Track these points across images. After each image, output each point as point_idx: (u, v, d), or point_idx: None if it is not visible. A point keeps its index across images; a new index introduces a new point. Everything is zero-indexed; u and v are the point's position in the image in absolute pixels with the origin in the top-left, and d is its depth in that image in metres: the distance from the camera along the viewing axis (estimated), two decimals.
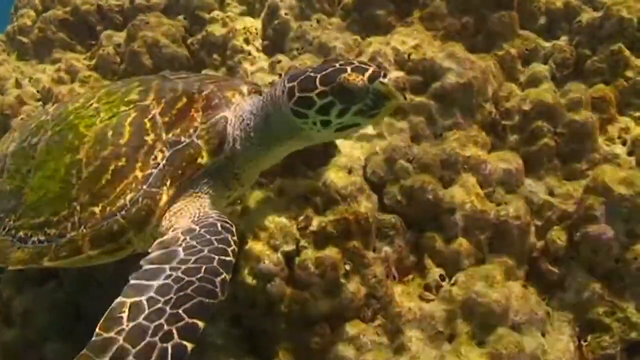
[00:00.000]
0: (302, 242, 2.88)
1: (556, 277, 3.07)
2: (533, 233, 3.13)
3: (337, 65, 2.27)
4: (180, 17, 4.90)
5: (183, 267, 2.02)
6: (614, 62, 3.55)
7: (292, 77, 2.37)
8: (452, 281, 2.96)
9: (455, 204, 3.05)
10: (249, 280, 2.87)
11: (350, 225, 2.87)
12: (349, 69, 2.21)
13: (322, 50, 3.97)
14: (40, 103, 4.78)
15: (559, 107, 3.32)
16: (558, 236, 3.07)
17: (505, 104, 3.49)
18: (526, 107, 3.38)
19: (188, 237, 2.16)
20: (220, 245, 2.11)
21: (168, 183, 2.39)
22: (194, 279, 1.97)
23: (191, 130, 2.50)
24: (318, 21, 4.32)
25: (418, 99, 3.37)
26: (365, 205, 2.99)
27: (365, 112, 2.24)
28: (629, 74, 3.54)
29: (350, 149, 3.38)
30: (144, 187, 2.37)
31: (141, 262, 2.11)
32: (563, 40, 3.77)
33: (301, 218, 2.93)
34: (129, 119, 2.56)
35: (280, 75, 3.76)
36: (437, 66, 3.35)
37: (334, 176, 3.01)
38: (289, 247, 2.87)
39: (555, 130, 3.33)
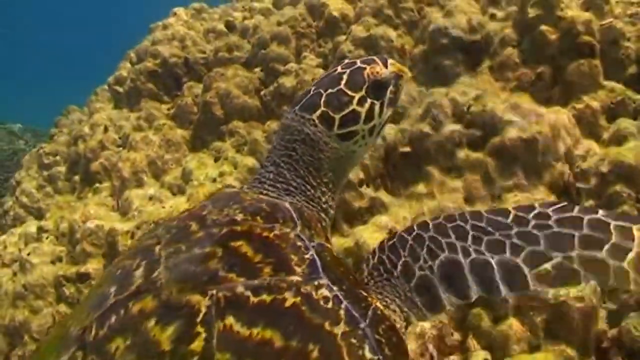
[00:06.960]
0: None
1: None
2: (603, 318, 2.61)
3: (341, 69, 1.94)
4: (257, 70, 4.97)
5: None
6: None
7: (309, 105, 1.91)
8: None
9: None
10: None
11: None
12: (362, 64, 1.92)
13: None
14: (120, 149, 4.99)
15: None
16: (635, 325, 2.53)
17: (581, 164, 3.03)
18: (604, 168, 2.90)
19: None
20: None
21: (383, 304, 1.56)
22: None
23: (304, 244, 1.55)
24: None
25: (475, 155, 3.02)
26: None
27: (393, 100, 1.96)
28: None
29: (397, 208, 3.09)
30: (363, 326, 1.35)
31: None
32: None
33: None
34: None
35: None
36: (497, 119, 2.99)
37: (368, 236, 2.74)
38: None
39: (637, 196, 2.81)
